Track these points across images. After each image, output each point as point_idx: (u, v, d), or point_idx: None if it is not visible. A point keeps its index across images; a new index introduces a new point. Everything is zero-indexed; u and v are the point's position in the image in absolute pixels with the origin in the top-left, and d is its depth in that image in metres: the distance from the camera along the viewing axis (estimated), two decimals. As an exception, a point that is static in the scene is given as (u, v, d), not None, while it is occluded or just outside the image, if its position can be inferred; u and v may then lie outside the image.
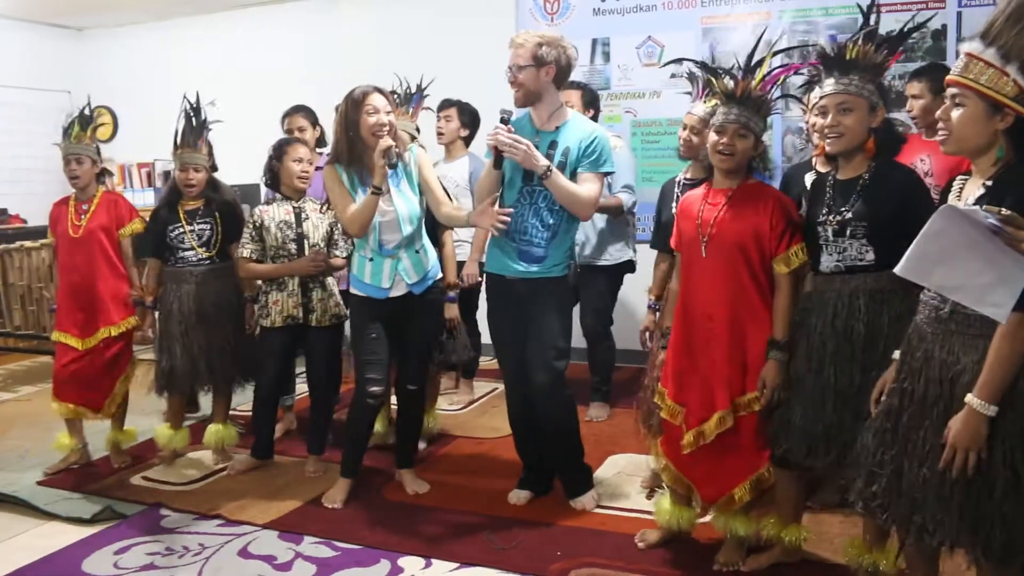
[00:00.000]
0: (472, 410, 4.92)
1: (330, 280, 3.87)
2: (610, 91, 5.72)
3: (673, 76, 5.48)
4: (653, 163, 5.58)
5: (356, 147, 3.30)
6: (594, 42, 5.76)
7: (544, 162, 3.13)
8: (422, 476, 3.69)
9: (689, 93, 3.38)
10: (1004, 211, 1.58)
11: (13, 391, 5.58)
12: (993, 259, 1.68)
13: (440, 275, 3.61)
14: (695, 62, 2.95)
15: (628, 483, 3.66)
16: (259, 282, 3.89)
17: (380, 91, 3.32)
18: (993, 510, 1.92)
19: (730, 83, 2.70)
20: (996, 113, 1.90)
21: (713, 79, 2.80)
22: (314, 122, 4.52)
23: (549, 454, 3.53)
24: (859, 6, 2.58)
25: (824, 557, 2.92)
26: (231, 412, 4.18)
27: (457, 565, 2.98)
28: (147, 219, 4.04)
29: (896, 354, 2.23)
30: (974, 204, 1.90)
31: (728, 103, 2.69)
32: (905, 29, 2.55)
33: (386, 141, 3.20)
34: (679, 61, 3.28)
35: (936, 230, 1.70)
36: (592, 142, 3.23)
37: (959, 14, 4.91)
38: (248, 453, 3.98)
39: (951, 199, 2.06)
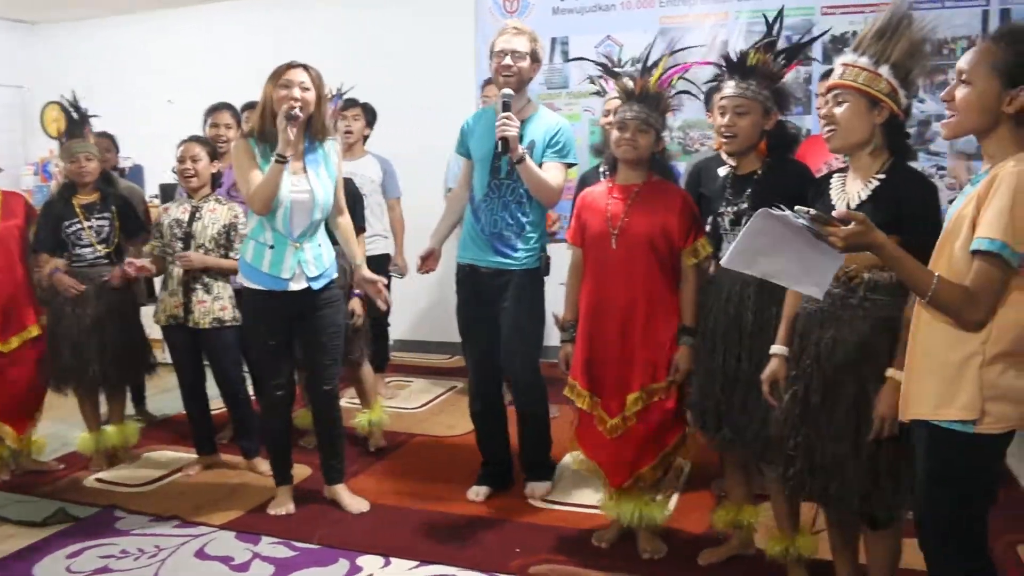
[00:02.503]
0: (429, 408, 4.92)
1: (218, 284, 3.72)
2: (569, 90, 5.74)
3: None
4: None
5: (267, 121, 3.15)
6: (553, 41, 5.76)
7: (521, 150, 3.19)
8: (379, 475, 3.62)
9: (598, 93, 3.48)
10: (811, 211, 1.81)
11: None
12: (810, 248, 1.88)
13: (336, 275, 3.41)
14: (595, 63, 3.02)
15: (586, 479, 3.66)
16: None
17: (305, 68, 3.17)
18: (883, 471, 2.16)
19: (629, 83, 2.80)
20: (874, 108, 2.14)
21: (613, 78, 2.89)
22: (239, 121, 4.45)
23: (522, 441, 3.59)
24: (764, 16, 2.74)
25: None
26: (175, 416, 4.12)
27: (416, 563, 2.97)
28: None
29: (775, 349, 2.42)
30: (864, 201, 2.15)
31: (628, 100, 2.79)
32: (803, 40, 2.76)
33: (288, 104, 3.06)
34: (579, 60, 3.33)
35: (756, 229, 1.92)
36: (556, 133, 3.33)
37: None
38: (196, 454, 3.96)
39: (835, 196, 2.25)
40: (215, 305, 3.69)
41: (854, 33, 5.07)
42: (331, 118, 3.79)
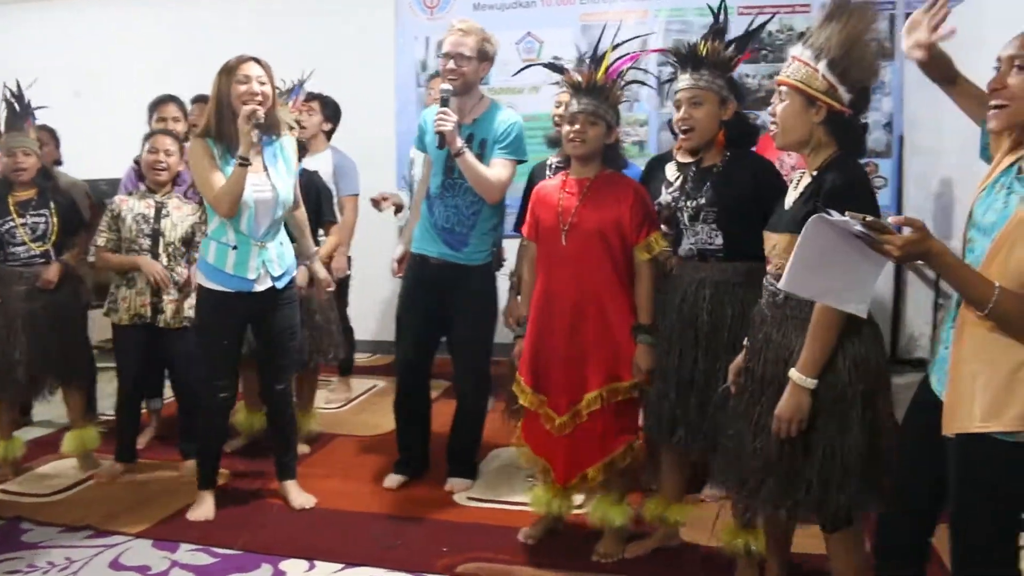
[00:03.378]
0: (351, 408, 4.85)
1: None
2: (490, 86, 5.69)
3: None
4: (534, 157, 5.62)
5: (225, 118, 3.09)
6: (473, 36, 5.74)
7: (459, 143, 3.18)
8: (302, 477, 3.56)
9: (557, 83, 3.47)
10: (867, 217, 1.67)
11: None
12: (855, 260, 1.77)
13: (295, 272, 3.39)
14: (538, 63, 3.04)
15: (511, 476, 3.67)
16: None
17: (259, 61, 3.11)
18: (812, 475, 2.12)
19: (577, 76, 2.79)
20: (811, 107, 2.11)
21: (558, 73, 2.88)
22: (185, 114, 4.33)
23: (455, 435, 3.61)
24: (709, 7, 2.76)
25: (703, 543, 2.99)
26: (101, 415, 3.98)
27: (342, 566, 2.92)
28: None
29: (746, 340, 2.39)
30: (803, 193, 2.15)
31: (576, 94, 2.77)
32: (750, 28, 2.73)
33: (250, 106, 3.00)
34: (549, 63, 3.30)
35: (809, 239, 1.76)
36: (507, 129, 3.33)
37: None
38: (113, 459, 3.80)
39: (790, 191, 2.25)
40: (184, 305, 3.61)
41: (768, 33, 5.23)
42: (293, 110, 3.74)
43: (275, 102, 3.18)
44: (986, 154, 1.98)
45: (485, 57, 3.34)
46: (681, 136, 2.64)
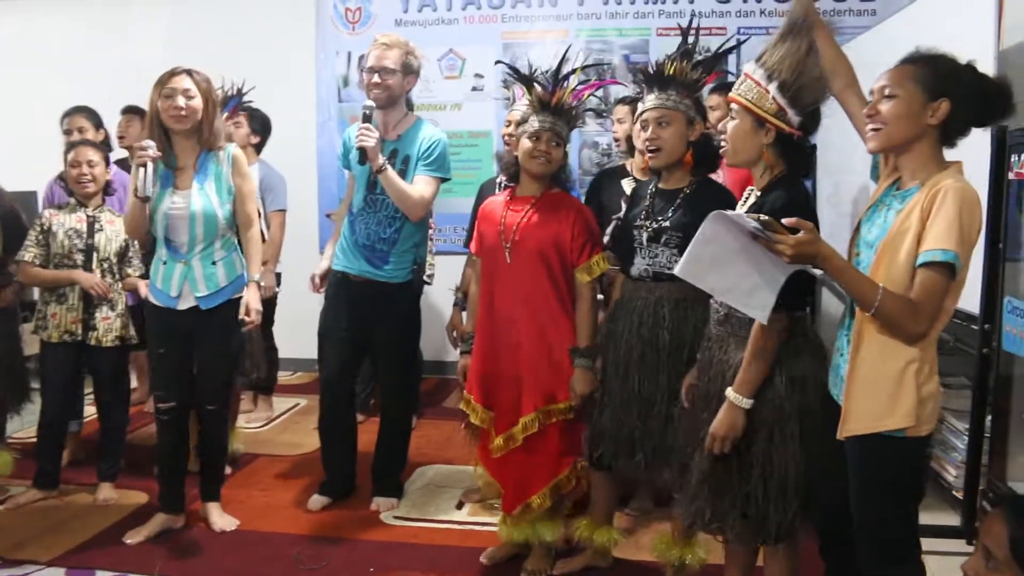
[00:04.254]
0: (273, 427, 4.76)
1: (122, 299, 3.57)
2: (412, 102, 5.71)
3: (475, 89, 5.62)
4: (456, 174, 5.64)
5: (154, 132, 3.03)
6: (395, 53, 5.73)
7: (381, 159, 3.15)
8: (224, 498, 3.48)
9: (507, 99, 3.48)
10: (762, 216, 1.77)
11: None
12: (757, 262, 1.86)
13: (240, 294, 3.20)
14: (511, 68, 2.98)
15: (437, 494, 3.65)
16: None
17: (190, 73, 3.04)
18: (749, 493, 2.16)
19: (540, 91, 2.76)
20: (761, 128, 2.13)
21: (527, 87, 2.82)
22: (97, 124, 4.19)
23: (379, 454, 3.58)
24: (679, 25, 2.72)
25: (635, 559, 3.02)
26: (9, 439, 3.82)
27: (265, 590, 2.87)
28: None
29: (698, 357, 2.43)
30: (748, 210, 2.11)
31: (542, 111, 2.73)
32: (720, 50, 2.69)
33: (142, 150, 2.94)
34: (501, 63, 3.28)
35: (707, 234, 1.85)
36: (431, 146, 3.31)
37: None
38: (29, 484, 3.63)
39: (738, 207, 2.24)
40: (117, 322, 3.50)
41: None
42: (226, 122, 3.68)
43: (213, 113, 3.10)
44: (875, 174, 2.14)
45: (410, 70, 3.33)
46: (648, 156, 2.58)
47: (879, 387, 1.89)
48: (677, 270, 1.96)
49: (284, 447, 4.36)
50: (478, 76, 5.62)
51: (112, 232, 3.53)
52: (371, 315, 3.38)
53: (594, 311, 2.78)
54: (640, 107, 2.62)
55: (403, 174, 3.29)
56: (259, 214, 4.07)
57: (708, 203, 2.49)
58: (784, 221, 1.79)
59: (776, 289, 1.91)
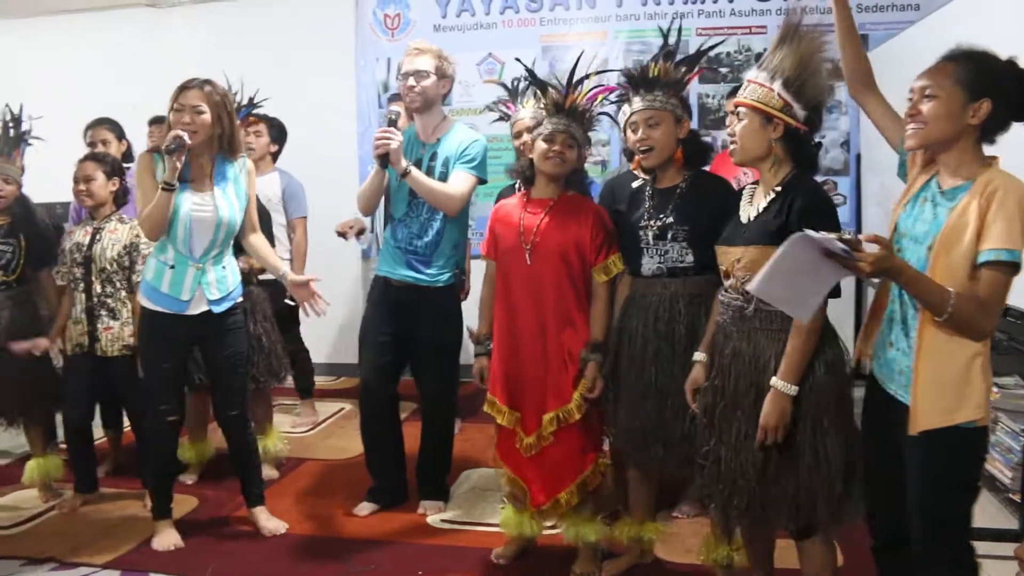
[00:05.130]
0: (319, 431, 4.80)
1: (126, 308, 3.52)
2: (451, 107, 5.73)
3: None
4: (495, 179, 5.64)
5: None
6: (435, 58, 5.76)
7: (404, 163, 3.16)
8: (271, 503, 3.52)
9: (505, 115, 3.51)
10: (846, 235, 1.82)
11: None
12: (818, 273, 1.90)
13: (241, 299, 3.30)
14: (528, 71, 3.00)
15: (483, 497, 3.66)
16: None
17: (203, 88, 3.04)
18: (800, 484, 2.17)
19: (555, 94, 2.80)
20: (769, 124, 2.22)
21: (541, 90, 2.87)
22: (120, 135, 4.25)
23: (423, 458, 3.58)
24: (660, 28, 2.84)
25: (685, 562, 3.01)
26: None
27: (314, 593, 2.90)
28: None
29: (696, 356, 2.48)
30: (760, 213, 2.24)
31: (556, 113, 2.78)
32: (701, 48, 2.78)
33: (172, 132, 2.95)
34: (520, 65, 3.30)
35: (788, 254, 1.85)
36: (469, 146, 3.34)
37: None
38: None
39: (743, 204, 2.34)
40: (124, 331, 3.51)
41: (727, 54, 5.32)
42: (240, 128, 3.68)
43: (230, 125, 3.12)
44: (902, 171, 2.21)
45: (444, 75, 3.35)
46: (640, 156, 2.68)
47: (949, 382, 1.92)
48: (752, 287, 1.97)
49: (331, 451, 4.40)
50: (516, 81, 5.62)
51: (110, 240, 3.51)
52: (412, 319, 3.39)
53: (609, 309, 2.83)
54: (628, 109, 2.70)
55: (443, 177, 3.31)
56: (272, 222, 4.15)
57: (706, 194, 2.66)
58: (862, 237, 1.83)
59: (826, 293, 1.98)
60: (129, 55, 6.22)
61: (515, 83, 3.51)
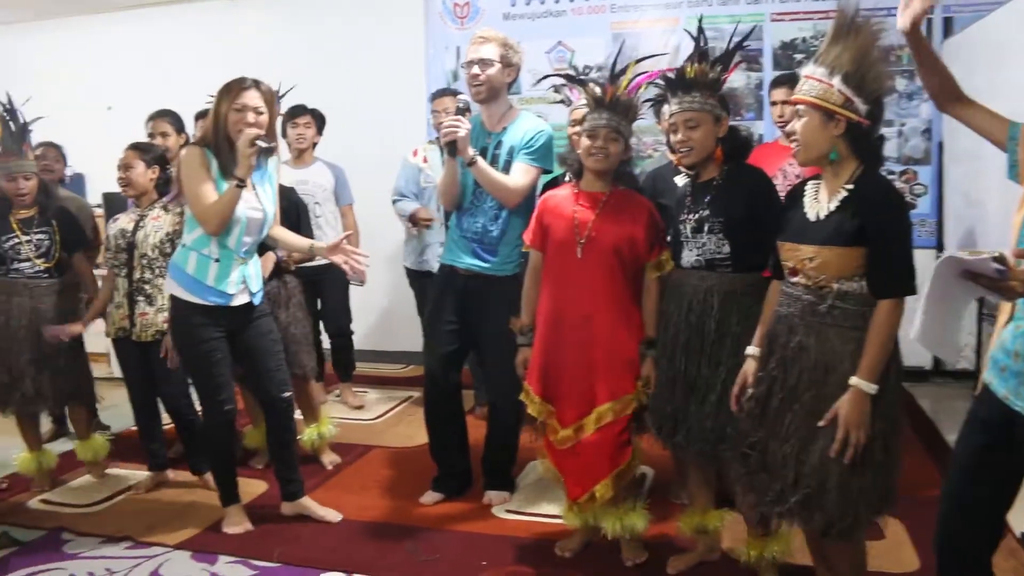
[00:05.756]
0: (387, 419, 4.85)
1: (163, 295, 3.51)
2: (520, 96, 5.72)
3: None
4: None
5: (221, 138, 3.06)
6: (504, 46, 5.74)
7: (471, 152, 3.18)
8: (337, 489, 3.54)
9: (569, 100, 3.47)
10: (998, 253, 1.72)
11: None
12: (958, 301, 1.81)
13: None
14: (560, 74, 3.01)
15: (549, 489, 3.64)
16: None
17: (259, 87, 3.07)
18: (867, 484, 2.14)
19: (597, 89, 2.77)
20: (831, 121, 2.15)
21: (581, 86, 2.85)
22: (179, 128, 4.33)
23: (489, 447, 3.59)
24: (687, 31, 2.78)
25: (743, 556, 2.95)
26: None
27: (379, 580, 2.92)
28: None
29: (750, 350, 2.44)
30: (832, 213, 2.16)
31: (598, 108, 2.76)
32: (730, 46, 2.72)
33: (253, 130, 2.99)
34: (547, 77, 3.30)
35: (938, 282, 1.77)
36: (534, 136, 3.32)
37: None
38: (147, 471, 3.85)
39: (807, 202, 2.26)
40: (158, 317, 3.57)
41: (803, 39, 5.19)
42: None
43: (273, 126, 3.14)
44: (1013, 173, 2.03)
45: (509, 63, 3.33)
46: (680, 155, 2.68)
47: None
48: (914, 337, 1.91)
49: (398, 439, 4.44)
50: (587, 68, 5.57)
51: (153, 227, 3.58)
52: (477, 308, 3.40)
53: (660, 304, 2.83)
54: (667, 110, 2.69)
55: (508, 166, 3.31)
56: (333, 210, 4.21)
57: (741, 186, 2.64)
58: (1011, 253, 1.75)
59: (962, 320, 1.88)
60: (203, 47, 6.37)
61: (587, 70, 3.49)
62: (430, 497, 3.56)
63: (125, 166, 3.61)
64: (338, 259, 3.18)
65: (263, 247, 3.45)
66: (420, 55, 5.96)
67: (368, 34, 6.03)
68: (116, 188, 3.74)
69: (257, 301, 3.23)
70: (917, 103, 5.09)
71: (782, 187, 3.09)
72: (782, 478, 2.21)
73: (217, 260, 3.10)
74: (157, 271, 3.57)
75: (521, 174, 3.29)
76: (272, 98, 3.14)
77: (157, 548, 3.18)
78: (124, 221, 3.65)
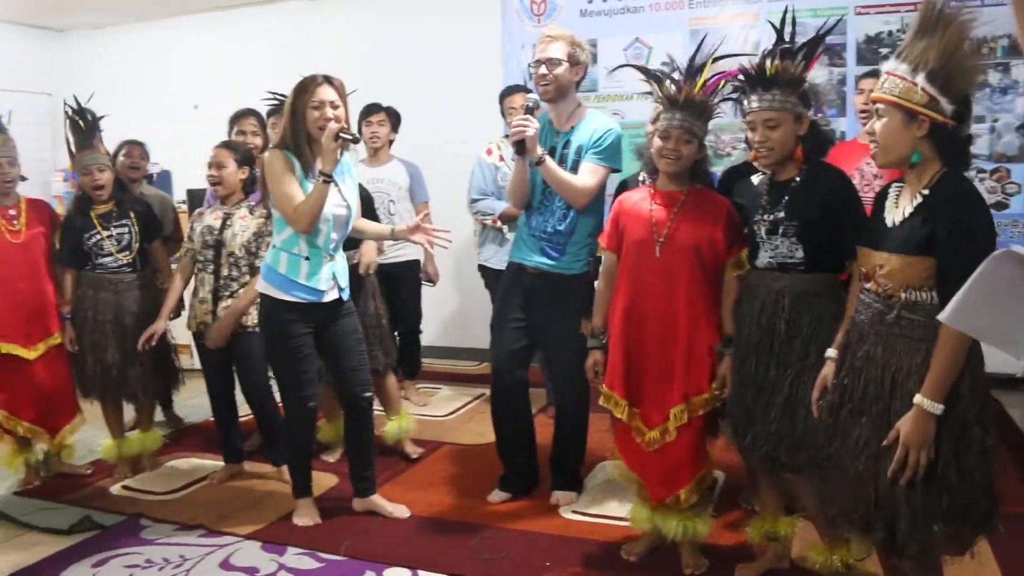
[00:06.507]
0: (459, 416, 4.87)
1: (244, 290, 3.63)
2: (597, 93, 5.68)
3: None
4: (632, 165, 5.57)
5: (301, 137, 3.09)
6: (581, 44, 5.71)
7: (539, 151, 3.17)
8: (406, 484, 3.56)
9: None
10: None
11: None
12: (1014, 301, 1.64)
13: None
14: (635, 67, 2.93)
15: (618, 490, 3.60)
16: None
17: (331, 82, 3.09)
18: (934, 504, 2.01)
19: (672, 88, 2.70)
20: (913, 121, 2.02)
21: (656, 84, 2.77)
22: (263, 127, 4.40)
23: (556, 447, 3.57)
24: (771, 23, 2.65)
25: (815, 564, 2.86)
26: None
27: (444, 576, 2.93)
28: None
29: (830, 352, 2.35)
30: (907, 218, 2.05)
31: (671, 108, 2.70)
32: (818, 34, 2.58)
33: (336, 125, 3.01)
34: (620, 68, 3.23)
35: (988, 275, 1.63)
36: (603, 136, 3.29)
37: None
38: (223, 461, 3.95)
39: (888, 206, 2.15)
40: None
41: (888, 33, 5.02)
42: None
43: (348, 120, 3.16)
44: None
45: (576, 62, 3.30)
46: (759, 155, 2.57)
47: None
48: (944, 317, 1.74)
49: (470, 435, 4.46)
50: (665, 64, 5.49)
51: (240, 227, 3.63)
52: (545, 306, 3.38)
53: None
54: (746, 106, 2.58)
55: (576, 165, 3.29)
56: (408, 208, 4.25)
57: (819, 189, 2.52)
58: None
59: None
60: (286, 46, 6.50)
61: (668, 65, 3.38)
62: (497, 496, 3.56)
63: (218, 164, 3.67)
64: (420, 239, 3.22)
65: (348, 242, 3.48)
66: (497, 53, 5.96)
67: (445, 33, 6.06)
68: (199, 185, 3.83)
69: (346, 296, 3.28)
70: (1012, 97, 4.87)
71: (859, 187, 2.98)
72: (854, 493, 2.13)
73: (307, 258, 3.15)
74: (243, 268, 3.64)
75: (589, 174, 3.26)
76: (344, 91, 3.16)
77: (229, 537, 3.26)
78: (210, 218, 3.71)
